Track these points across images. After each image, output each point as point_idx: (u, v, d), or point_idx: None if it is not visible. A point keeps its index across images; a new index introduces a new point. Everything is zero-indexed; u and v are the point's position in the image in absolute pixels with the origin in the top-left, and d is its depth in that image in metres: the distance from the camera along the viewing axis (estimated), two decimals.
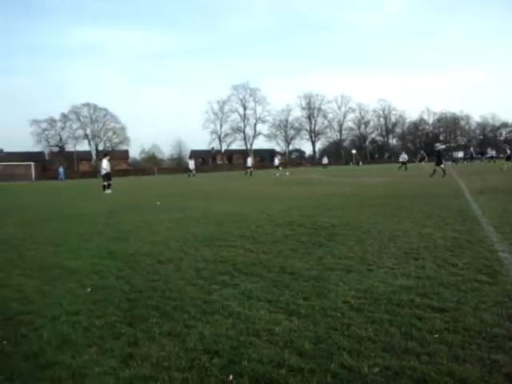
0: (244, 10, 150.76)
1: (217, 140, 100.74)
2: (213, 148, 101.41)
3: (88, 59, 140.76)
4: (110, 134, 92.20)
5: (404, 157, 41.53)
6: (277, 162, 44.52)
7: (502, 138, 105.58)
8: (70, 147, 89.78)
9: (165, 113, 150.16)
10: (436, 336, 3.09)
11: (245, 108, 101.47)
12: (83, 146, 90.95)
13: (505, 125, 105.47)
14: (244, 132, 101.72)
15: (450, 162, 51.65)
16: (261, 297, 4.12)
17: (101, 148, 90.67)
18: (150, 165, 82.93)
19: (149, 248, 6.73)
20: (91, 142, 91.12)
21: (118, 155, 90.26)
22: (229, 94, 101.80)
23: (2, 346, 3.22)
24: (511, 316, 3.38)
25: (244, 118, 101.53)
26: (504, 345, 2.91)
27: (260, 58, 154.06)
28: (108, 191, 21.09)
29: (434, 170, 24.86)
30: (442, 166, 24.65)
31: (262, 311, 3.73)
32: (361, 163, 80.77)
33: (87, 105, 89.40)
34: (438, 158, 25.61)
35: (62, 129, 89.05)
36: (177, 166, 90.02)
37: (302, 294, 4.14)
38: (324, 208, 11.06)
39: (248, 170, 41.06)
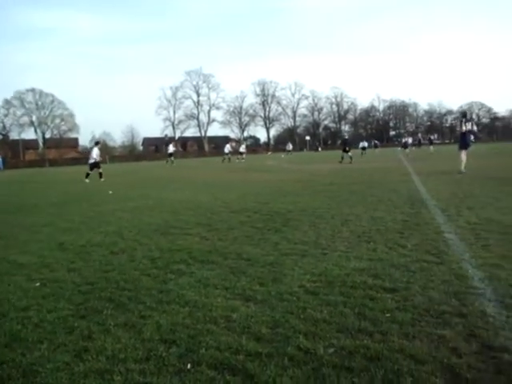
0: None
1: (170, 127, 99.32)
2: (166, 135, 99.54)
3: (32, 43, 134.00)
4: (57, 121, 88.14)
5: (363, 144, 44.71)
6: (228, 149, 42.22)
7: (447, 125, 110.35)
8: (14, 135, 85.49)
9: (116, 99, 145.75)
10: (388, 315, 3.20)
11: (198, 94, 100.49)
12: (29, 134, 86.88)
13: (450, 112, 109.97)
14: (198, 119, 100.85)
15: (399, 148, 53.43)
16: (217, 284, 4.11)
17: (48, 136, 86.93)
18: (101, 153, 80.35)
19: (101, 238, 6.55)
20: (37, 130, 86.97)
21: (67, 143, 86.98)
22: (182, 80, 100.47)
23: None
24: (457, 294, 3.55)
25: (198, 104, 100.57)
26: (450, 321, 3.06)
27: (213, 44, 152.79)
28: (87, 180, 20.25)
29: (342, 157, 27.47)
30: (350, 153, 27.43)
31: (219, 298, 3.73)
32: (320, 149, 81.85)
33: (32, 90, 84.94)
34: (343, 146, 29.16)
35: (5, 116, 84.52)
36: (129, 153, 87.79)
37: (258, 280, 4.16)
38: (279, 194, 11.16)
39: (226, 157, 40.32)
